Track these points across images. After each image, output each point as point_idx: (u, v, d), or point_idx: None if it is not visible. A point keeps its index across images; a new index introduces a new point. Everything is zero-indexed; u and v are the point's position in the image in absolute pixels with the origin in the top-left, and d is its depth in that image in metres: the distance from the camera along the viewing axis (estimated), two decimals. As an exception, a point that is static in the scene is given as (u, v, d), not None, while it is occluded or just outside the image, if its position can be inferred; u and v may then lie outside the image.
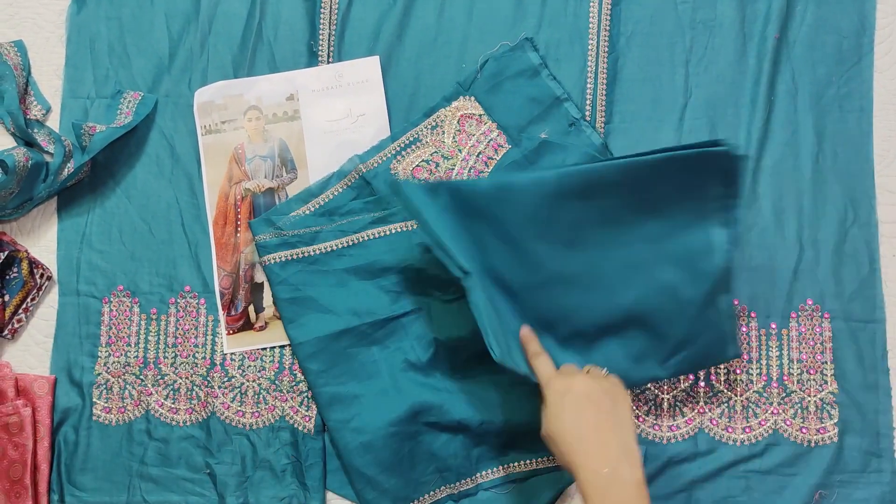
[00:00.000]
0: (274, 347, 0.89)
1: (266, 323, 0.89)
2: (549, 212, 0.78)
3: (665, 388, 0.87)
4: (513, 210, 0.78)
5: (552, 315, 0.81)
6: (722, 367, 0.87)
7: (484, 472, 0.86)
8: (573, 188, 0.77)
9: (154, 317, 0.90)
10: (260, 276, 0.89)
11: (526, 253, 0.79)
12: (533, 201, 0.78)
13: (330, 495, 0.87)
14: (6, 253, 0.87)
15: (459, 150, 0.90)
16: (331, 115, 0.90)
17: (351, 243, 0.88)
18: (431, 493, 0.85)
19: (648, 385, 0.87)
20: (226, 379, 0.88)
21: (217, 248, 0.89)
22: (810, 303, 0.88)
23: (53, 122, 0.93)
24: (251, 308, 0.89)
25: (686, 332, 0.80)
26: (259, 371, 0.88)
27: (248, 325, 0.89)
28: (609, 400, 0.69)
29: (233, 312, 0.89)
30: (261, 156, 0.90)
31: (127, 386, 0.89)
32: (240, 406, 0.88)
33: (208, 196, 0.90)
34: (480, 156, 0.90)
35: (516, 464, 0.86)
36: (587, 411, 0.68)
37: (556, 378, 0.72)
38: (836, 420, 0.86)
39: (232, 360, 0.89)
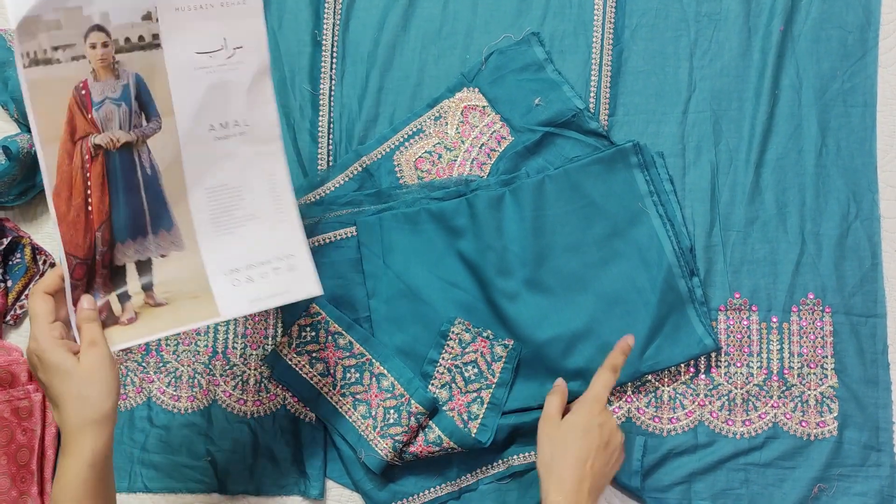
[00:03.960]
0: (158, 340, 0.85)
1: (136, 314, 0.69)
2: (505, 225, 0.86)
3: (665, 380, 0.87)
4: (475, 225, 0.86)
5: (526, 326, 0.86)
6: (722, 360, 0.87)
7: (484, 468, 0.86)
8: (523, 203, 0.86)
9: (156, 304, 0.90)
10: (121, 258, 0.69)
11: (491, 268, 0.86)
12: (494, 217, 0.86)
13: (330, 484, 0.88)
14: (9, 239, 0.87)
15: (462, 142, 0.90)
16: (201, 44, 0.68)
17: (350, 234, 0.88)
18: (432, 489, 0.86)
19: (648, 377, 0.87)
20: (227, 367, 0.89)
21: (63, 229, 0.66)
22: (811, 297, 0.88)
23: (57, 109, 0.93)
24: (113, 298, 0.69)
25: (652, 318, 0.85)
26: (261, 359, 0.89)
27: (111, 320, 0.69)
28: (611, 458, 0.75)
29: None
30: (112, 98, 0.67)
31: (129, 373, 0.89)
32: (241, 394, 0.88)
33: (45, 159, 0.65)
34: (483, 147, 0.90)
35: (516, 457, 0.86)
36: (599, 454, 0.73)
37: (605, 411, 0.76)
38: (835, 414, 0.86)
39: (234, 348, 0.89)
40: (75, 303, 0.67)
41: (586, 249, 0.87)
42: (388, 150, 0.90)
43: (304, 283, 0.72)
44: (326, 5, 0.92)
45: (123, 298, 0.70)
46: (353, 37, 0.92)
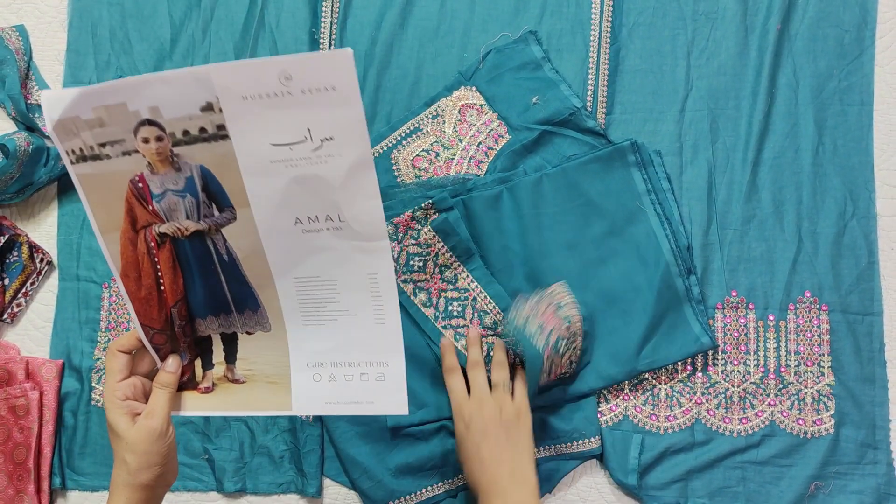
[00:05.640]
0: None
1: (214, 384, 0.68)
2: (503, 224, 0.87)
3: (663, 378, 0.88)
4: (473, 224, 0.87)
5: None
6: (719, 358, 0.88)
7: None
8: (520, 201, 0.87)
9: (154, 302, 0.90)
10: (204, 330, 0.67)
11: (490, 266, 0.87)
12: (491, 216, 0.87)
13: (327, 482, 0.88)
14: (6, 237, 0.87)
15: (460, 140, 0.90)
16: (278, 135, 0.57)
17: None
18: (428, 488, 0.86)
19: (645, 375, 0.87)
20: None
21: (136, 305, 0.63)
22: (808, 295, 0.88)
23: (54, 107, 0.93)
24: (198, 363, 0.68)
25: (649, 317, 0.85)
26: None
27: (191, 384, 0.68)
28: (506, 430, 0.76)
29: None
30: (174, 190, 0.61)
31: (126, 371, 0.89)
32: (238, 392, 0.88)
33: (106, 246, 0.62)
34: (481, 146, 0.90)
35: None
36: (486, 443, 0.76)
37: (462, 406, 0.79)
38: (832, 412, 0.86)
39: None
40: (162, 359, 0.66)
41: (584, 248, 0.87)
42: (385, 148, 0.90)
43: (390, 398, 0.65)
44: (324, 4, 0.92)
45: (207, 365, 0.68)
46: (351, 35, 0.92)
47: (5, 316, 0.89)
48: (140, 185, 0.60)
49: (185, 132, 0.58)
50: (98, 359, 0.89)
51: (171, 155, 0.59)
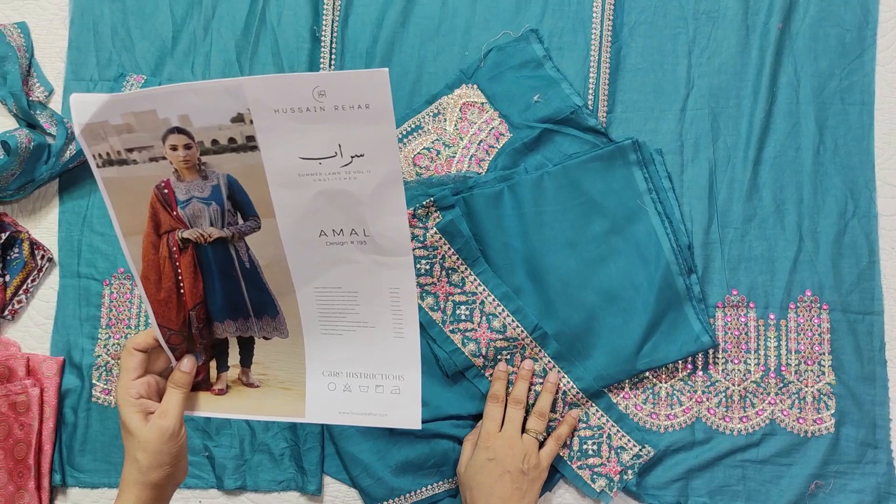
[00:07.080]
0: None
1: (228, 387, 0.68)
2: (505, 222, 0.87)
3: (663, 377, 0.88)
4: (474, 222, 0.87)
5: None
6: (720, 356, 0.88)
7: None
8: (521, 199, 0.87)
9: (154, 300, 0.90)
10: (222, 333, 0.67)
11: (491, 264, 0.87)
12: (492, 214, 0.87)
13: (327, 479, 0.88)
14: (7, 234, 0.87)
15: (461, 138, 0.90)
16: (308, 149, 0.58)
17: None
18: (428, 486, 0.86)
19: (646, 374, 0.87)
20: (225, 362, 0.89)
21: (155, 307, 0.64)
22: (809, 294, 0.88)
23: (56, 105, 0.93)
24: (213, 364, 0.68)
25: (650, 316, 0.85)
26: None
27: (205, 384, 0.68)
28: (524, 480, 0.79)
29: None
30: (200, 198, 0.62)
31: (126, 368, 0.89)
32: (239, 390, 0.88)
33: (128, 248, 0.62)
34: (482, 144, 0.90)
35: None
36: (503, 481, 0.78)
37: (493, 438, 0.81)
38: (832, 411, 0.86)
39: (232, 343, 0.89)
40: (178, 359, 0.65)
41: (584, 246, 0.87)
42: (386, 146, 0.90)
43: (404, 412, 0.65)
44: (325, 1, 0.92)
45: (222, 367, 0.68)
46: (352, 33, 0.92)
47: (6, 313, 0.89)
48: (166, 190, 0.61)
49: (214, 141, 0.58)
50: (98, 356, 0.89)
51: (199, 163, 0.59)
